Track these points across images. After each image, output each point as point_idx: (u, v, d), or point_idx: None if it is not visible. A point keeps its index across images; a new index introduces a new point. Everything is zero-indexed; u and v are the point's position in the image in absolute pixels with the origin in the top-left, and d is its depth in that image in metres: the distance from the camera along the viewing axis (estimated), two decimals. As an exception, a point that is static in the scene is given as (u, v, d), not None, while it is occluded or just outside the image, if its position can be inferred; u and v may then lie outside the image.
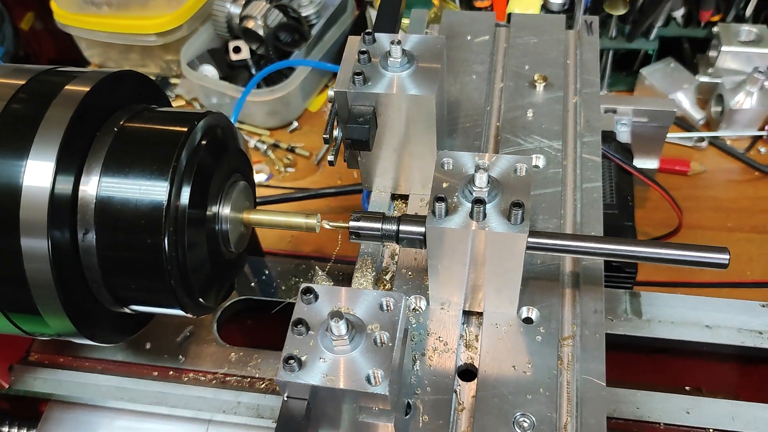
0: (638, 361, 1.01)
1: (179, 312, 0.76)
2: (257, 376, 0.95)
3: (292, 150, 1.56)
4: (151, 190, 0.69)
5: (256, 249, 1.17)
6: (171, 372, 0.97)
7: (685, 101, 1.49)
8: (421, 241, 0.70)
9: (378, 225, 0.71)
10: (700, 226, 1.35)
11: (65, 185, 0.69)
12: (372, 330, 0.61)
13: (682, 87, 1.49)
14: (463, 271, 0.71)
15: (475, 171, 0.67)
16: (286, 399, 0.61)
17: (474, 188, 0.67)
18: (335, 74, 1.62)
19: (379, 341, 0.60)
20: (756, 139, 1.46)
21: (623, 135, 1.16)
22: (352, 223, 0.71)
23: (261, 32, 1.57)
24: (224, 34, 1.62)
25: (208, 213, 0.76)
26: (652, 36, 1.50)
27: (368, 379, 0.59)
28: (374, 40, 0.80)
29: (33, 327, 0.75)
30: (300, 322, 0.61)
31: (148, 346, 0.99)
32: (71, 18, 1.62)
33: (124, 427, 0.96)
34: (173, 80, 1.71)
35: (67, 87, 0.73)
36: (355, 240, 0.72)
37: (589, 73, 0.96)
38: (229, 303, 1.04)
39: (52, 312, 0.71)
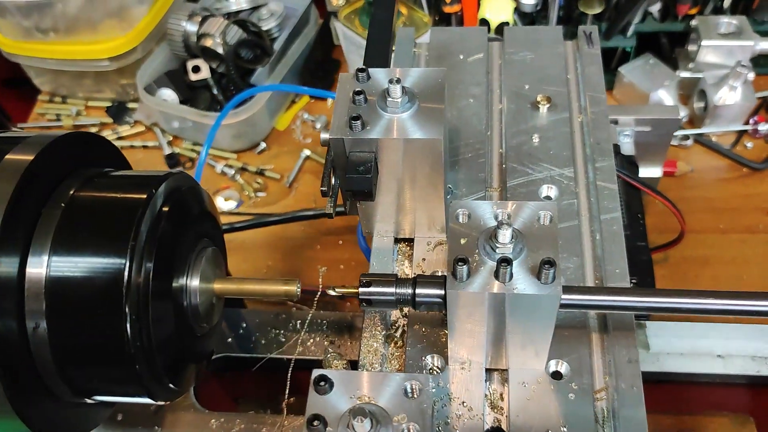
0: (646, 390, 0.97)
1: (147, 400, 0.68)
2: (241, 444, 0.87)
3: (261, 173, 1.47)
4: (108, 270, 0.62)
5: (235, 299, 1.08)
6: (147, 445, 0.89)
7: (668, 98, 1.44)
8: (440, 305, 0.63)
9: (392, 289, 0.64)
10: (692, 229, 1.30)
11: (10, 269, 0.61)
12: (398, 422, 0.54)
13: (663, 84, 1.44)
14: (486, 333, 0.65)
15: (498, 226, 0.60)
16: (308, 506, 0.54)
17: (497, 244, 0.61)
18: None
19: (408, 436, 0.54)
20: (741, 134, 1.43)
21: (626, 146, 1.11)
22: (362, 290, 0.64)
23: (220, 50, 1.48)
24: (181, 53, 1.53)
25: (174, 287, 0.68)
26: (630, 33, 1.45)
27: (403, 482, 0.52)
28: (369, 77, 0.72)
29: None
30: (316, 418, 0.54)
31: (120, 417, 0.91)
32: (17, 47, 1.51)
33: None
34: (131, 105, 1.62)
35: (7, 157, 0.65)
36: (366, 308, 0.65)
37: (594, 89, 0.90)
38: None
39: (2, 414, 0.63)
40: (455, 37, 0.98)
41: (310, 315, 0.88)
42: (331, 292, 0.68)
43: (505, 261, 0.59)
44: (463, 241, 0.62)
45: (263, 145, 1.52)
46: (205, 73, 1.52)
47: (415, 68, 0.73)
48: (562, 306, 0.62)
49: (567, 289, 0.62)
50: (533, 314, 0.61)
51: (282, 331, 0.98)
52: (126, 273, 0.62)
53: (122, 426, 0.91)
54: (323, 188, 0.69)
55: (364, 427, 0.52)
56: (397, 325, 0.75)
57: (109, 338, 0.63)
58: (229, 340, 0.99)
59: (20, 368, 0.63)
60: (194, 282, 0.71)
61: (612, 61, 1.50)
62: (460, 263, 0.59)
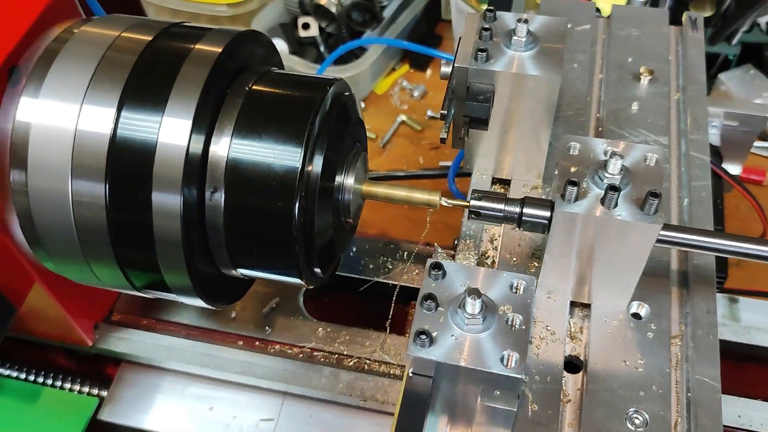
0: (727, 367, 0.99)
1: (296, 280, 0.74)
2: (345, 353, 0.93)
3: (357, 131, 1.54)
4: (285, 155, 0.68)
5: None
6: (257, 342, 0.96)
7: (763, 110, 1.46)
8: (544, 226, 0.68)
9: (500, 206, 0.69)
10: (771, 238, 1.32)
11: (198, 144, 0.69)
12: (504, 311, 0.59)
13: (761, 95, 1.46)
14: (581, 260, 0.69)
15: (609, 157, 0.65)
16: (411, 375, 0.59)
17: (606, 174, 0.65)
18: (403, 58, 1.62)
19: (511, 323, 0.59)
20: (831, 152, 1.43)
21: (712, 137, 1.13)
22: (473, 202, 0.69)
23: (334, 10, 1.55)
24: (294, 9, 1.60)
25: (335, 182, 0.75)
26: (735, 41, 1.46)
27: (502, 361, 0.57)
28: (495, 18, 0.78)
29: (144, 281, 0.75)
30: (430, 297, 0.59)
31: (233, 315, 0.99)
32: (142, -19, 1.61)
33: (197, 395, 0.95)
34: (239, 52, 1.69)
35: (197, 46, 0.72)
36: (474, 219, 0.70)
37: (695, 70, 0.94)
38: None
39: (173, 269, 0.71)
40: (564, 8, 1.02)
41: (417, 248, 0.93)
42: (444, 203, 0.73)
43: (614, 189, 0.63)
44: (573, 170, 0.67)
45: (362, 105, 1.58)
46: (314, 30, 1.59)
47: (539, 15, 0.78)
48: (659, 241, 0.66)
49: (665, 226, 0.66)
50: (630, 244, 0.66)
51: (389, 259, 1.04)
52: (300, 161, 0.68)
53: (236, 323, 0.99)
54: (442, 111, 0.74)
55: (476, 306, 0.57)
56: (487, 255, 0.80)
57: (277, 217, 0.69)
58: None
59: (195, 232, 0.71)
60: (349, 180, 0.77)
61: (713, 67, 1.52)
62: (571, 185, 0.64)
